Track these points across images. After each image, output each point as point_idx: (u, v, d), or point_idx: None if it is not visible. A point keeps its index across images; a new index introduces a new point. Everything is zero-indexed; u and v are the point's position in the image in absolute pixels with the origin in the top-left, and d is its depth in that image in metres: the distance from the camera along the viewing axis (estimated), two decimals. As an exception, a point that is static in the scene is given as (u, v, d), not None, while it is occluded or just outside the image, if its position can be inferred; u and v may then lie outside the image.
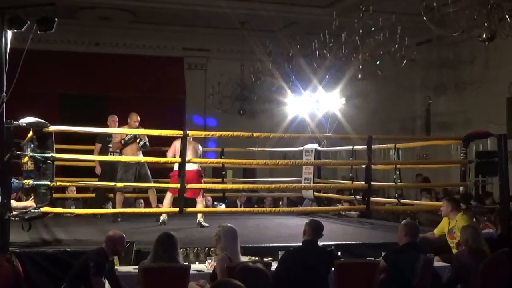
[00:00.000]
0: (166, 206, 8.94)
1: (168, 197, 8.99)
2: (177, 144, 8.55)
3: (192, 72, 17.51)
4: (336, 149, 12.31)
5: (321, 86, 13.06)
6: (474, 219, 7.67)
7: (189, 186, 8.24)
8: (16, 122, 6.46)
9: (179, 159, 7.82)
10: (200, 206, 9.04)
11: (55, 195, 8.04)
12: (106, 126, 9.97)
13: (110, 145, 9.66)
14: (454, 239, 7.12)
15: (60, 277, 5.95)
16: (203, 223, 8.80)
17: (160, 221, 8.84)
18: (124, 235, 5.86)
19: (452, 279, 6.34)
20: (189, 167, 8.29)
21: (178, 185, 7.86)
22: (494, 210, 9.14)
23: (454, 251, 7.04)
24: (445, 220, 7.39)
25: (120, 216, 9.11)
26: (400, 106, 16.61)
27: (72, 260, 6.05)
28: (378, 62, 11.18)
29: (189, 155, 8.24)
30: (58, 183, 7.29)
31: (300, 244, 5.90)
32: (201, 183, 8.94)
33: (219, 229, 5.77)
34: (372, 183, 8.85)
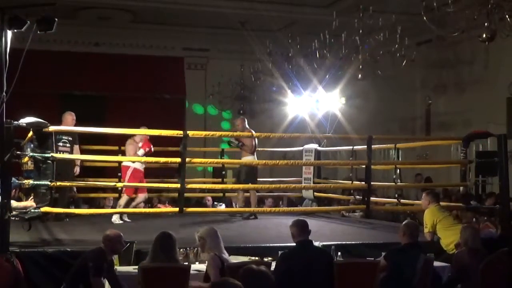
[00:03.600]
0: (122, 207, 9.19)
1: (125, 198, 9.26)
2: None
3: (192, 72, 17.52)
4: (336, 149, 12.31)
5: (321, 86, 13.06)
6: (448, 214, 7.71)
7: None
8: (16, 122, 6.45)
9: (179, 159, 7.80)
10: (121, 201, 9.27)
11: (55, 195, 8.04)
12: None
13: (60, 144, 9.40)
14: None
15: (60, 277, 5.95)
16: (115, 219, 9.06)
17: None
18: (121, 234, 5.86)
19: (452, 279, 6.34)
20: (126, 163, 9.16)
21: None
22: (494, 211, 9.14)
23: None
24: None
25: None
26: (400, 106, 16.61)
27: (72, 260, 6.05)
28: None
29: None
30: (58, 183, 7.28)
31: (294, 244, 5.83)
32: (134, 181, 9.19)
33: (201, 233, 5.76)
34: (372, 183, 8.85)
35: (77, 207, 10.75)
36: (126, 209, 9.31)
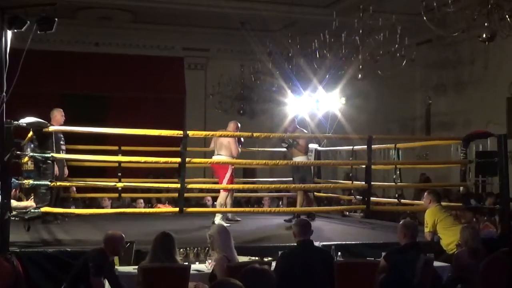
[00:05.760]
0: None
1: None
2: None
3: (192, 72, 17.54)
4: (336, 149, 12.30)
5: (321, 86, 13.05)
6: (449, 214, 7.70)
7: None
8: (16, 122, 6.45)
9: (178, 159, 7.78)
10: (217, 203, 9.21)
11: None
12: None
13: (61, 142, 8.91)
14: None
15: (60, 277, 5.95)
16: (218, 220, 8.80)
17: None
18: (124, 235, 5.86)
19: (452, 279, 6.34)
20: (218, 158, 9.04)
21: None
22: (494, 211, 9.14)
23: None
24: None
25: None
26: (400, 106, 16.62)
27: (72, 260, 6.04)
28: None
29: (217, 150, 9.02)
30: (58, 183, 7.28)
31: (295, 244, 5.85)
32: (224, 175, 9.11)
33: (212, 231, 5.75)
34: (372, 183, 8.83)
35: (77, 207, 10.75)
36: (126, 209, 9.31)
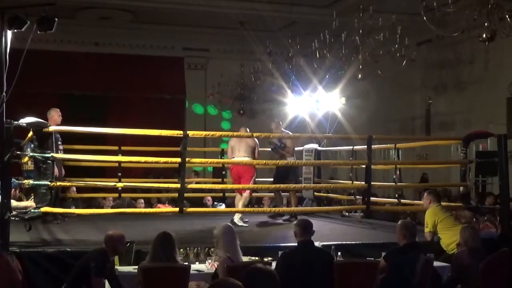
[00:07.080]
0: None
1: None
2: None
3: (192, 72, 17.55)
4: (336, 149, 12.30)
5: (321, 86, 13.05)
6: (449, 214, 7.69)
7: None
8: (16, 122, 6.45)
9: (178, 159, 7.78)
10: (240, 203, 9.12)
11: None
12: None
13: (59, 142, 9.12)
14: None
15: (60, 277, 5.95)
16: (238, 222, 8.71)
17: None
18: (124, 234, 5.86)
19: (452, 279, 6.34)
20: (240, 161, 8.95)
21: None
22: (494, 211, 9.14)
23: None
24: None
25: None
26: (400, 106, 16.63)
27: (72, 260, 6.04)
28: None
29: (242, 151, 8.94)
30: (58, 183, 7.28)
31: (296, 244, 5.85)
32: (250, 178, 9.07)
33: (217, 230, 5.74)
34: (372, 183, 8.83)
35: (77, 207, 10.74)
36: (126, 209, 9.29)
